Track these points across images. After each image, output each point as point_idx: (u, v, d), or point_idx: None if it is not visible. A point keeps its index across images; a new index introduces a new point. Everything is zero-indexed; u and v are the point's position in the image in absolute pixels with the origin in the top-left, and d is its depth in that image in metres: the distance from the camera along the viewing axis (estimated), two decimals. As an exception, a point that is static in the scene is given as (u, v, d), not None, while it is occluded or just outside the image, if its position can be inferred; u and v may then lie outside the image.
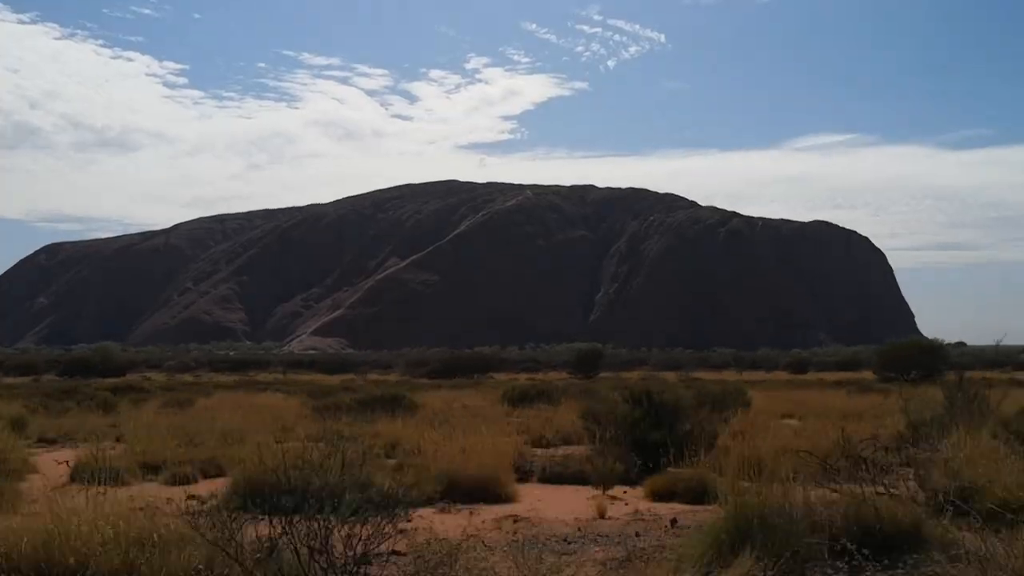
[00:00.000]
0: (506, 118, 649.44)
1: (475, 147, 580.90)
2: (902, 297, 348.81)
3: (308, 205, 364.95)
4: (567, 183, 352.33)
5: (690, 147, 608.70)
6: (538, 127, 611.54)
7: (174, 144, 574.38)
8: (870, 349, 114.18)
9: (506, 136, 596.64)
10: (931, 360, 64.75)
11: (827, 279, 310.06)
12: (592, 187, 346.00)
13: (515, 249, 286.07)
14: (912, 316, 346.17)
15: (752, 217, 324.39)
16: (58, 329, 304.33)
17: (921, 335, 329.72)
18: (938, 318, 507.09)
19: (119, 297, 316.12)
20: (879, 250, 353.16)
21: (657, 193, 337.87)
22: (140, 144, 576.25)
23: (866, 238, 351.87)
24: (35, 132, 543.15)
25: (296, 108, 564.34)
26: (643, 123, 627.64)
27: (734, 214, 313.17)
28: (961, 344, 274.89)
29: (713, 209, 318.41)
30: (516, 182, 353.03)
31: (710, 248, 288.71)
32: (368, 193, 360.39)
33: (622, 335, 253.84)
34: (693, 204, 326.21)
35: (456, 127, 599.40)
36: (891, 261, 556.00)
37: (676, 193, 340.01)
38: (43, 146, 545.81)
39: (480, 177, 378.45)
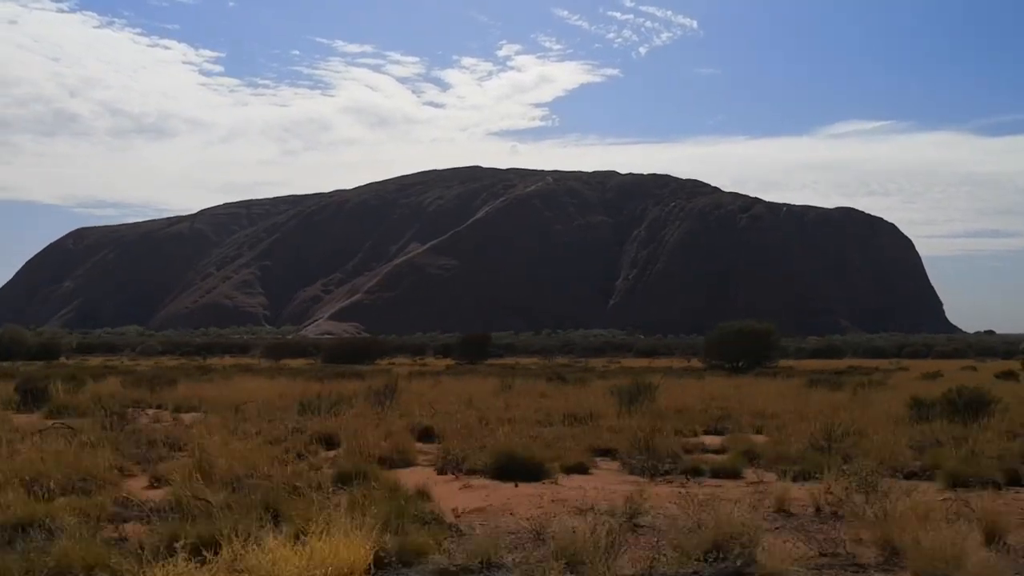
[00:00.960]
0: (537, 105, 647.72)
1: (507, 134, 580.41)
2: (929, 284, 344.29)
3: (332, 191, 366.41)
4: (592, 169, 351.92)
5: (722, 134, 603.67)
6: (569, 114, 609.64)
7: (210, 131, 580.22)
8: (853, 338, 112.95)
9: (537, 123, 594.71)
10: (758, 347, 63.02)
11: (851, 266, 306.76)
12: (614, 173, 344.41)
13: (533, 235, 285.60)
14: (940, 304, 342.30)
15: (775, 203, 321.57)
16: (84, 312, 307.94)
17: (948, 323, 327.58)
18: (972, 306, 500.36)
19: (144, 281, 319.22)
20: (906, 237, 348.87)
21: (679, 179, 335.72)
22: (176, 131, 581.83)
23: (892, 225, 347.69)
24: (74, 119, 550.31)
25: (330, 95, 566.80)
26: (675, 110, 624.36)
27: (756, 200, 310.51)
28: (990, 332, 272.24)
29: (735, 195, 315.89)
30: (543, 168, 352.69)
31: (731, 234, 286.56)
32: (391, 179, 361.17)
33: (641, 321, 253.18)
34: (715, 190, 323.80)
35: (488, 114, 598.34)
36: (925, 248, 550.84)
37: (698, 179, 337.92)
38: (81, 133, 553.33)
39: (503, 163, 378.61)
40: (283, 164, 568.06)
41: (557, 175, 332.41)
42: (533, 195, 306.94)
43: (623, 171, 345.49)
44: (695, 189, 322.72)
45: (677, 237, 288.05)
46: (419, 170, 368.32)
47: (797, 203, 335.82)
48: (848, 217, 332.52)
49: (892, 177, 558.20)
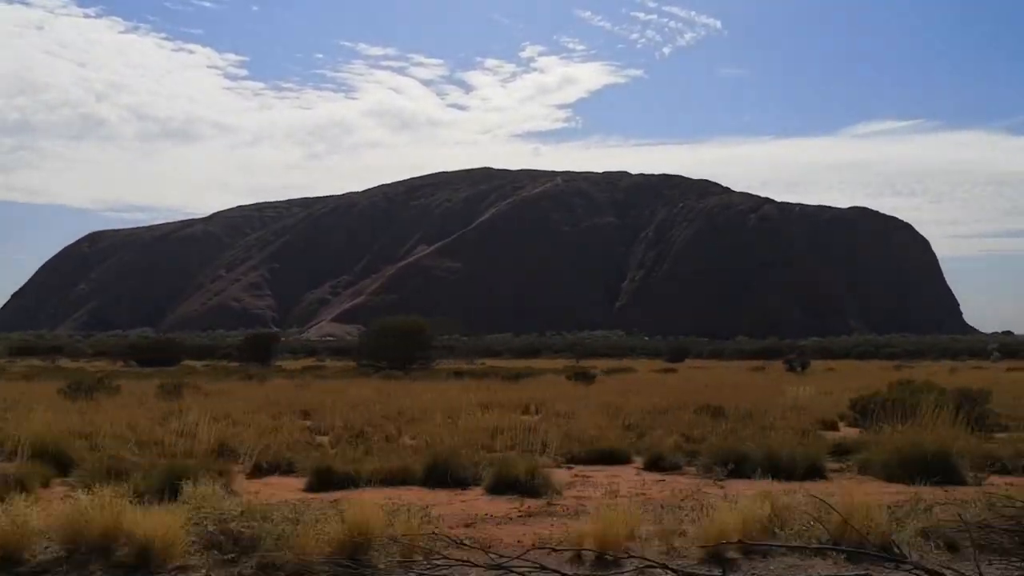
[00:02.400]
0: (561, 106, 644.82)
1: (530, 136, 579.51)
2: (946, 285, 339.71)
3: (344, 194, 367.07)
4: (608, 170, 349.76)
5: (747, 134, 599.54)
6: (593, 115, 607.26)
7: (235, 134, 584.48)
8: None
9: (560, 125, 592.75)
10: (409, 346, 59.82)
11: (864, 266, 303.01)
12: (625, 174, 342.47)
13: (540, 236, 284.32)
14: (956, 304, 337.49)
15: (787, 203, 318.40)
16: (97, 316, 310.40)
17: (965, 324, 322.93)
18: (999, 307, 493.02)
19: (156, 284, 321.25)
20: (922, 237, 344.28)
21: (690, 179, 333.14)
22: (202, 134, 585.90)
23: (908, 225, 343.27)
24: (101, 123, 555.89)
25: (354, 98, 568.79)
26: (699, 110, 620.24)
27: (766, 200, 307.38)
28: (1008, 333, 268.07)
29: (745, 195, 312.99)
30: (566, 170, 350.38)
31: (740, 235, 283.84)
32: (402, 181, 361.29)
33: (647, 323, 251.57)
34: (726, 190, 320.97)
35: (511, 116, 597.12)
36: (951, 249, 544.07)
37: (711, 179, 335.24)
38: (109, 137, 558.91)
39: (526, 165, 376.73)
40: (308, 167, 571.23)
41: (567, 176, 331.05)
42: (541, 196, 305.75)
43: (635, 172, 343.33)
44: (706, 189, 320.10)
45: (685, 238, 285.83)
46: (429, 172, 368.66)
47: (820, 203, 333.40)
48: (863, 217, 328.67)
49: (919, 177, 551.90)
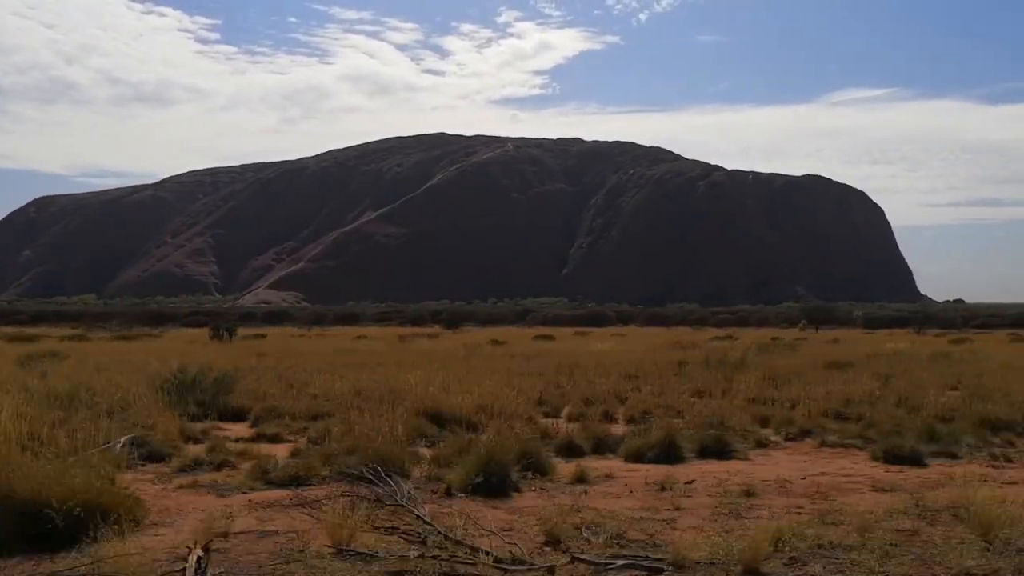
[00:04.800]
0: (538, 73, 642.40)
1: (508, 102, 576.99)
2: (899, 254, 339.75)
3: (297, 159, 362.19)
4: (563, 136, 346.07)
5: (725, 102, 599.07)
6: (570, 82, 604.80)
7: (209, 99, 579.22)
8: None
9: (538, 91, 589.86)
10: None
11: (817, 234, 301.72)
12: (578, 140, 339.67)
13: (488, 203, 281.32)
14: (910, 274, 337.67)
15: (740, 171, 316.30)
16: (43, 281, 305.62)
17: (918, 293, 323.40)
18: (975, 274, 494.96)
19: (103, 250, 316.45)
20: (877, 205, 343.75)
21: (643, 146, 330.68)
22: (176, 99, 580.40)
23: (863, 193, 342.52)
24: (73, 87, 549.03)
25: (328, 63, 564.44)
26: (676, 77, 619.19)
27: (716, 167, 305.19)
28: (959, 301, 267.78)
29: (696, 162, 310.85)
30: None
31: (689, 202, 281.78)
32: (355, 146, 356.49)
33: (594, 290, 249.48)
34: (678, 157, 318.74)
35: (489, 82, 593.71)
36: (927, 218, 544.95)
37: (662, 146, 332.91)
38: (81, 101, 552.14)
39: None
40: (284, 132, 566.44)
41: (519, 142, 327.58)
42: (490, 162, 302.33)
43: (586, 138, 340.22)
44: (657, 156, 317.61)
45: (633, 205, 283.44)
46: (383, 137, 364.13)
47: (774, 171, 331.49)
48: (816, 184, 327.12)
49: (896, 145, 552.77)
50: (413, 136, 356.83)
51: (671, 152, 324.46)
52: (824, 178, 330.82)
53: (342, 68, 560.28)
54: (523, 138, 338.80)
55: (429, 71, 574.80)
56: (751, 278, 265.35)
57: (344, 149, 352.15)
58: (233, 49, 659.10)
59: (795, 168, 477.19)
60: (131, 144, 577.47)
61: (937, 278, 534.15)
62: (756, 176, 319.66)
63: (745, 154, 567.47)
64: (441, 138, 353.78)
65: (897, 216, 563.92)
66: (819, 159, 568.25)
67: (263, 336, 55.06)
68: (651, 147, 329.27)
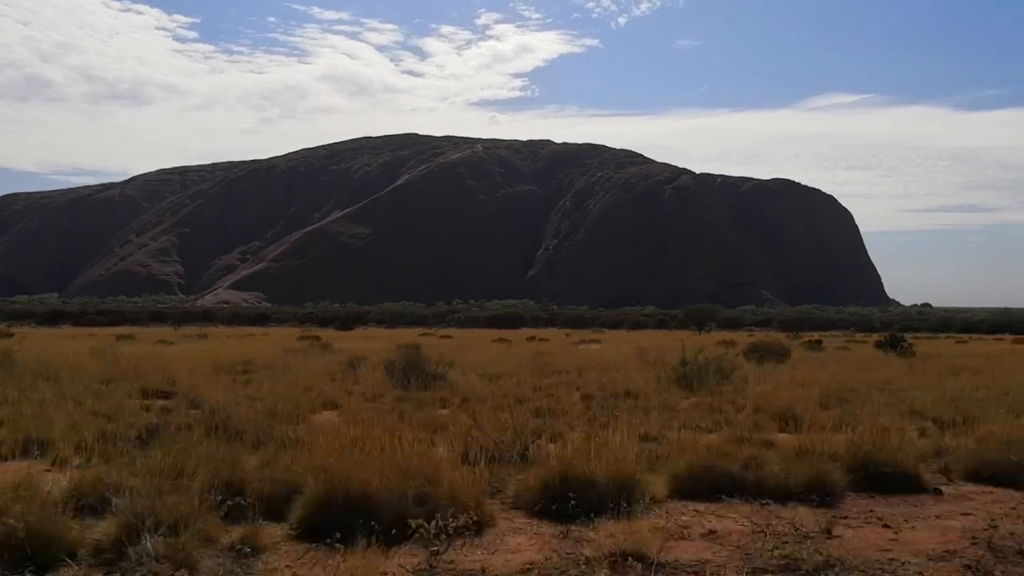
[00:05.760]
0: (517, 75, 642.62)
1: (487, 104, 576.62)
2: (868, 257, 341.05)
3: (267, 159, 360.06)
4: (539, 139, 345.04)
5: (703, 106, 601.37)
6: (549, 84, 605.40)
7: (186, 98, 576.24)
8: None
9: (517, 93, 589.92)
10: None
11: (783, 238, 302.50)
12: (548, 142, 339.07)
13: (455, 204, 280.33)
14: (878, 277, 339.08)
15: (709, 174, 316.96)
16: (8, 279, 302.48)
17: (886, 297, 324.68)
18: (954, 279, 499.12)
19: (69, 248, 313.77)
20: (845, 209, 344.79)
21: (613, 149, 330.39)
22: (152, 97, 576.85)
23: (832, 197, 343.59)
24: (48, 84, 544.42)
25: (307, 63, 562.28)
26: (655, 82, 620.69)
27: (684, 170, 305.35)
28: (927, 305, 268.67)
29: (664, 165, 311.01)
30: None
31: (657, 205, 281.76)
32: (324, 146, 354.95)
33: (560, 292, 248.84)
34: (647, 161, 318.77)
35: (468, 84, 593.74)
36: (904, 223, 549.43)
37: (632, 149, 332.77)
38: (56, 98, 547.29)
39: (439, 131, 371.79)
40: (262, 132, 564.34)
41: (488, 143, 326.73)
42: (458, 163, 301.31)
43: (556, 140, 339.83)
44: (626, 159, 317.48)
45: (601, 207, 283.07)
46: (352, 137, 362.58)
47: (742, 175, 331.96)
48: (785, 188, 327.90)
49: (872, 151, 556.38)
50: (382, 136, 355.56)
51: (641, 155, 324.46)
52: (792, 182, 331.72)
53: (321, 68, 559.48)
54: (494, 139, 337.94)
55: (408, 72, 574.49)
56: (716, 281, 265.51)
57: (313, 148, 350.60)
58: (211, 48, 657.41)
59: (772, 173, 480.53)
60: (106, 142, 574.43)
61: (914, 282, 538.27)
62: (724, 180, 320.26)
63: (723, 158, 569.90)
64: (411, 138, 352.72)
65: (874, 221, 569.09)
66: (796, 164, 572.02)
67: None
68: (620, 150, 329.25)
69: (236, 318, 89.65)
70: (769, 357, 26.06)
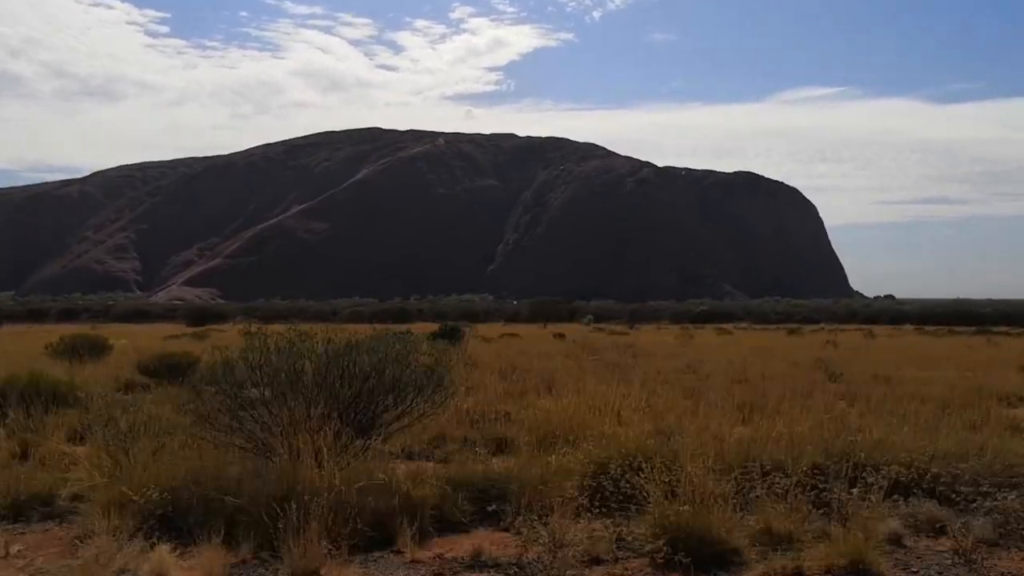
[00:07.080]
0: (492, 69, 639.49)
1: (462, 98, 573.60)
2: (832, 251, 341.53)
3: (226, 154, 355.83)
4: (503, 132, 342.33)
5: (678, 100, 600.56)
6: (525, 78, 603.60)
7: (159, 93, 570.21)
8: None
9: (492, 87, 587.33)
10: None
11: (746, 231, 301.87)
12: (512, 136, 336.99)
13: (415, 198, 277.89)
14: (842, 270, 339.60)
15: (673, 167, 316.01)
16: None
17: (850, 290, 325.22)
18: (922, 273, 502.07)
19: (25, 245, 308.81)
20: (809, 203, 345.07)
21: (575, 142, 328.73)
22: (125, 93, 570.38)
23: (795, 190, 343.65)
24: (17, 80, 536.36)
25: (280, 58, 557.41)
26: (630, 75, 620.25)
27: (646, 163, 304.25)
28: (890, 297, 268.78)
29: (627, 159, 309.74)
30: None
31: (618, 198, 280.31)
32: (284, 140, 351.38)
33: (520, 287, 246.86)
34: (610, 154, 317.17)
35: (442, 78, 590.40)
36: (879, 216, 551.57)
37: (599, 143, 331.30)
38: (27, 95, 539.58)
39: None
40: (236, 127, 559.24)
41: (449, 137, 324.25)
42: (418, 157, 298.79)
43: (535, 135, 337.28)
44: (588, 152, 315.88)
45: (561, 201, 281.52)
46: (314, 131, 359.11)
47: (707, 168, 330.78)
48: (749, 182, 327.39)
49: (846, 144, 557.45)
50: (344, 131, 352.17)
51: (603, 148, 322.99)
52: (756, 175, 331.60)
53: (295, 63, 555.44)
54: (456, 133, 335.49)
55: (383, 67, 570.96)
56: (679, 274, 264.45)
57: (273, 144, 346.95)
58: (183, 43, 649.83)
59: (745, 166, 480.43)
60: (78, 139, 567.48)
61: (886, 275, 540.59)
62: (689, 173, 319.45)
63: (695, 152, 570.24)
64: (373, 132, 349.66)
65: (848, 214, 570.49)
66: (768, 157, 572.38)
67: None
68: (583, 143, 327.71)
69: (135, 316, 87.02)
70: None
